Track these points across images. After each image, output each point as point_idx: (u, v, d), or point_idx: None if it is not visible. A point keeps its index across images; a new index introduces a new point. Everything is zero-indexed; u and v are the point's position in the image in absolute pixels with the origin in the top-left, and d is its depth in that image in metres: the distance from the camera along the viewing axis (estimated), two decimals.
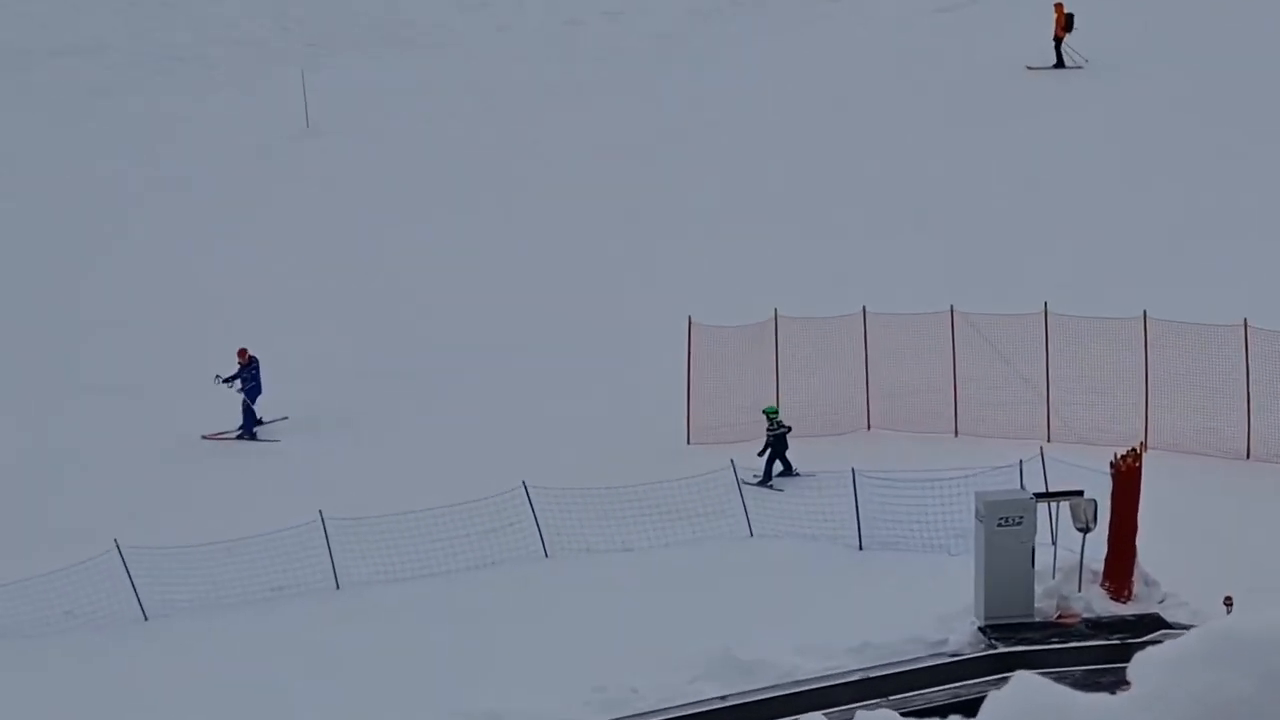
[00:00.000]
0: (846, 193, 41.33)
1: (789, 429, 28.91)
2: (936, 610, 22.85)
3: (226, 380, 32.53)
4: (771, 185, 42.35)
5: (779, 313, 30.99)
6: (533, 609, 24.95)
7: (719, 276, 36.65)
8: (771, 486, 28.40)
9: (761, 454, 28.73)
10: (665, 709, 21.42)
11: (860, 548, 26.27)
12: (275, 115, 50.71)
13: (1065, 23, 48.77)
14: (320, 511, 26.64)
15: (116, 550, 26.14)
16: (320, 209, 44.33)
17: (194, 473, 31.46)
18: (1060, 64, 48.92)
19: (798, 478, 28.58)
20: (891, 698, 20.70)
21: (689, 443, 30.26)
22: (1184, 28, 50.12)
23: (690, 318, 31.04)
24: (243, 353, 33.05)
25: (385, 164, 47.26)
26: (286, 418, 32.82)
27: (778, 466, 28.76)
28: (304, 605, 26.15)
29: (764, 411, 29.29)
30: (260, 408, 32.80)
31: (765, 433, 28.89)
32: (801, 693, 21.28)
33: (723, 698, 21.53)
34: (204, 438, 32.70)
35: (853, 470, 26.23)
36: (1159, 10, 51.58)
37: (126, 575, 26.14)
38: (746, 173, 43.41)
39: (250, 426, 32.73)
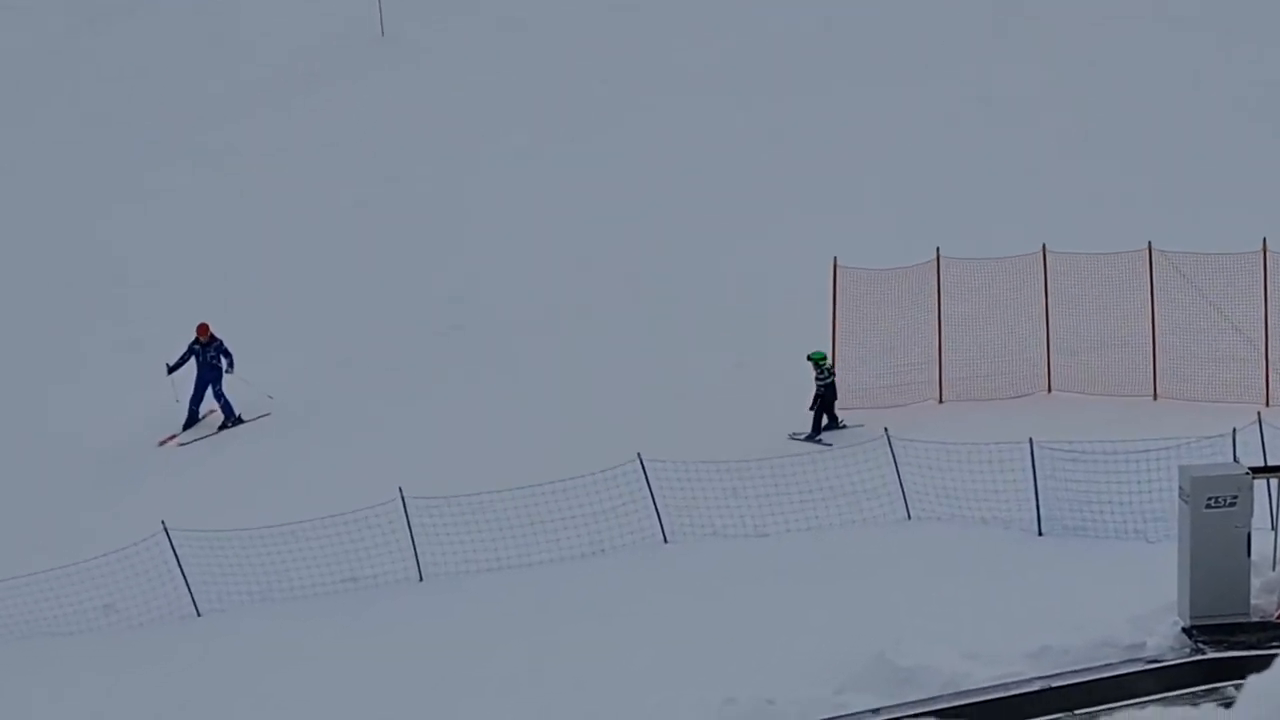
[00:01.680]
0: (1001, 114, 41.24)
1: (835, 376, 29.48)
2: (1131, 608, 22.63)
3: (173, 367, 32.44)
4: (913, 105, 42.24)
5: (940, 253, 30.88)
6: (650, 605, 24.96)
7: (855, 213, 36.66)
8: (820, 441, 29.03)
9: (812, 408, 29.38)
10: None
11: (1040, 533, 26.20)
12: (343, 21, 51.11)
13: None
14: (400, 489, 26.82)
15: (165, 534, 26.46)
16: (393, 137, 44.57)
17: (220, 450, 31.92)
18: None
19: (844, 430, 29.05)
20: (1078, 712, 20.60)
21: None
22: None
23: (836, 259, 30.95)
24: (204, 329, 32.64)
25: (474, 83, 47.32)
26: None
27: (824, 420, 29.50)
28: (384, 599, 26.37)
29: (809, 358, 29.62)
30: (208, 397, 32.75)
31: (814, 381, 29.18)
32: (969, 705, 21.13)
33: (875, 711, 21.39)
34: (162, 443, 32.55)
35: (1030, 441, 26.07)
36: None
37: (176, 564, 26.44)
38: (877, 100, 43.34)
39: (230, 410, 32.69)
